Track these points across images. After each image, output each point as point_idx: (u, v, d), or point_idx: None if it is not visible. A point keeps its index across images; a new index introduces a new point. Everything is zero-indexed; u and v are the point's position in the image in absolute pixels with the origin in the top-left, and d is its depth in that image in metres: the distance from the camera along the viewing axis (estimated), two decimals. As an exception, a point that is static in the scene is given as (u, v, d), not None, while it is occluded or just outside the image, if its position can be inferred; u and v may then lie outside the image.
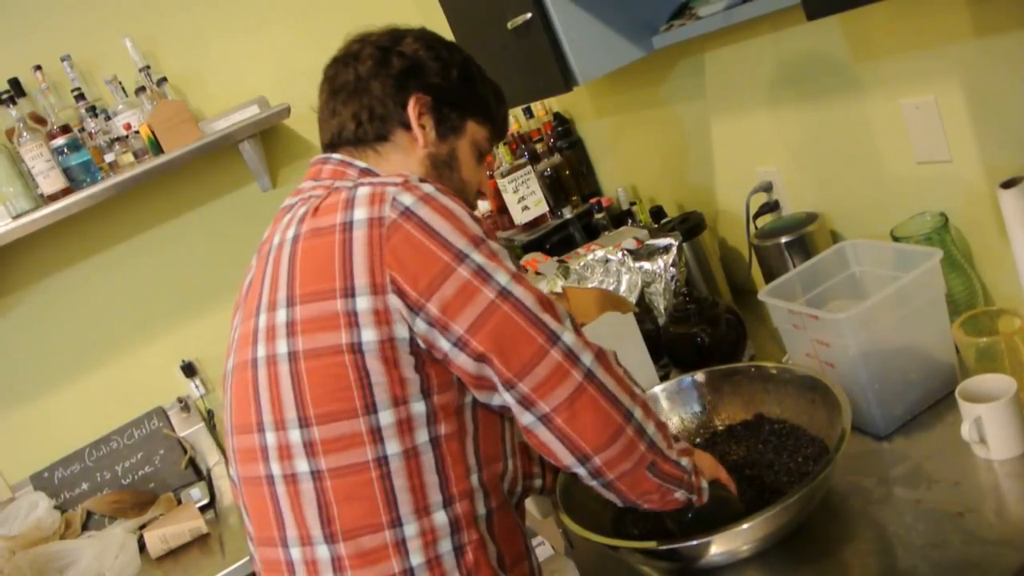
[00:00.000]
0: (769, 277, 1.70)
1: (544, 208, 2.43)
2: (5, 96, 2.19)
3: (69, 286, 2.48)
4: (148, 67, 2.37)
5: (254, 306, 1.05)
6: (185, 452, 2.43)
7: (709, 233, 2.01)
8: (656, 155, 2.26)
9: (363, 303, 0.95)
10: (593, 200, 2.38)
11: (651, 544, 1.11)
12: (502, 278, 0.97)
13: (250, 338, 1.04)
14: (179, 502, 2.35)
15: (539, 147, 2.54)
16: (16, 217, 2.19)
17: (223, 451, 2.51)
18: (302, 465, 0.98)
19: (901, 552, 1.04)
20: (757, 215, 1.86)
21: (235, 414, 1.07)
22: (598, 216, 2.31)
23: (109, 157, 2.31)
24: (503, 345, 0.95)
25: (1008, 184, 1.22)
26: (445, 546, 0.99)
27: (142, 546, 2.16)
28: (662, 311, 1.83)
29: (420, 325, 0.95)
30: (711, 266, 2.00)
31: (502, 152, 2.47)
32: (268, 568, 1.05)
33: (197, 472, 2.42)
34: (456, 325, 0.95)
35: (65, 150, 2.22)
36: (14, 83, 2.24)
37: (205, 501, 2.32)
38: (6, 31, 2.37)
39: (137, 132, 2.31)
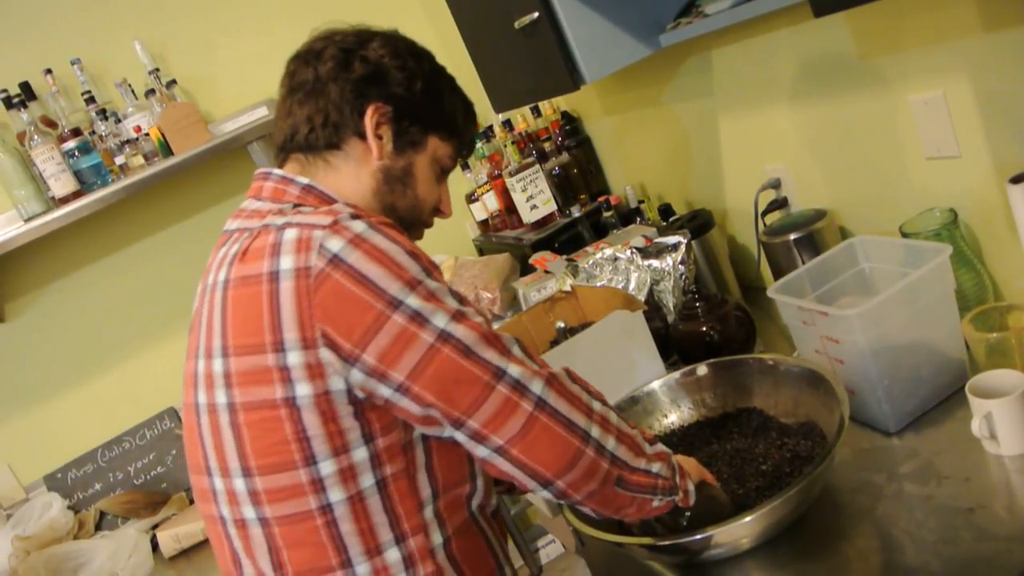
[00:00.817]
0: (778, 274, 1.70)
1: (553, 207, 2.44)
2: (16, 99, 2.21)
3: (81, 288, 2.50)
4: (157, 70, 2.39)
5: (195, 346, 1.03)
6: (197, 452, 2.44)
7: (718, 230, 2.01)
8: (664, 153, 2.26)
9: (294, 358, 0.92)
10: (601, 198, 2.39)
11: (648, 540, 1.12)
12: (440, 320, 0.93)
13: (192, 380, 1.03)
14: (191, 502, 2.36)
15: (547, 146, 2.54)
16: (28, 220, 2.21)
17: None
18: (249, 512, 0.98)
19: (911, 548, 1.04)
20: (766, 212, 1.86)
21: (188, 453, 1.07)
22: (606, 214, 2.31)
23: (119, 159, 2.32)
24: (446, 387, 0.93)
25: (1017, 179, 1.21)
26: None
27: (155, 546, 2.17)
28: (671, 309, 1.83)
29: (356, 376, 0.92)
30: (720, 263, 2.00)
31: (510, 151, 2.48)
32: None
33: (209, 472, 2.43)
34: (395, 373, 0.92)
35: (76, 153, 2.24)
36: (25, 87, 2.25)
37: (217, 501, 2.33)
38: (16, 35, 2.39)
39: (147, 134, 2.33)
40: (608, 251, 1.89)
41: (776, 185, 1.85)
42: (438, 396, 0.93)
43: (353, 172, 1.08)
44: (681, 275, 1.83)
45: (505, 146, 2.53)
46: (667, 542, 1.10)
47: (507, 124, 2.60)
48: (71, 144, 2.23)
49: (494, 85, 2.11)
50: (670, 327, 1.75)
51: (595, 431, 0.99)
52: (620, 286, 1.85)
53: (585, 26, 1.69)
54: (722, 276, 2.00)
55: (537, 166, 2.40)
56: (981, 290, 1.41)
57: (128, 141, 2.33)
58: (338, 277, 0.91)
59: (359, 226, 0.94)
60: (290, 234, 0.95)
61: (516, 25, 1.76)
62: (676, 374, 1.48)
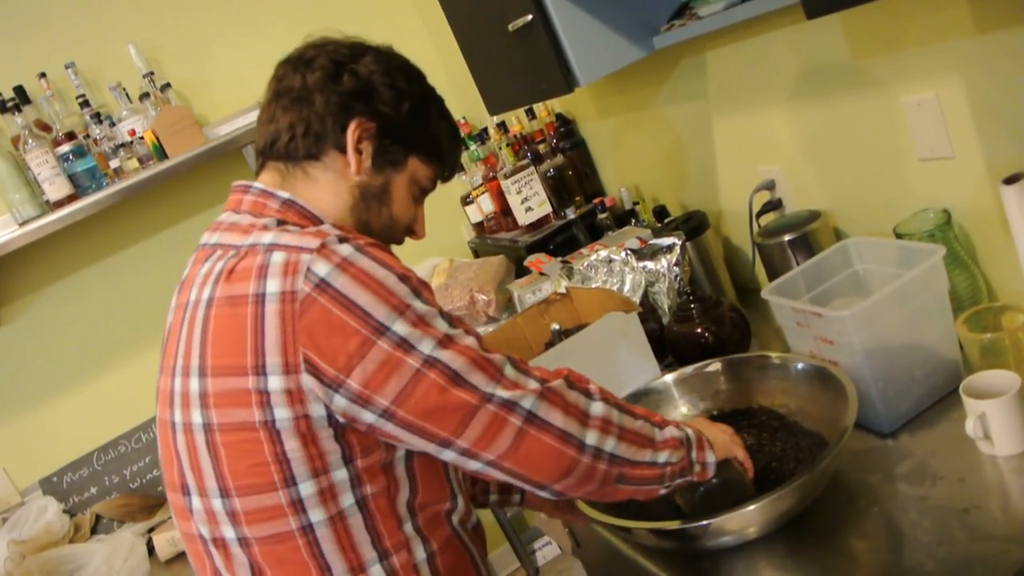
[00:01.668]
0: (773, 275, 1.70)
1: (547, 209, 2.44)
2: (10, 103, 2.21)
3: (76, 291, 2.49)
4: (152, 73, 2.39)
5: (171, 363, 1.02)
6: (193, 456, 2.44)
7: (712, 232, 2.01)
8: (659, 155, 2.26)
9: (275, 383, 0.91)
10: (596, 200, 2.39)
11: (654, 525, 1.14)
12: (426, 347, 0.92)
13: (167, 398, 1.02)
14: (187, 506, 2.36)
15: (542, 148, 2.54)
16: (23, 224, 2.21)
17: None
18: (228, 532, 0.97)
19: (906, 548, 1.04)
20: (760, 213, 1.86)
21: (164, 470, 1.06)
22: (601, 216, 2.31)
23: (114, 163, 2.32)
24: (432, 413, 0.92)
25: (1011, 180, 1.22)
26: None
27: (151, 549, 2.17)
28: (666, 310, 1.84)
29: (339, 402, 0.91)
30: (715, 265, 2.00)
31: (505, 153, 2.48)
32: None
33: (205, 476, 2.43)
34: (380, 398, 0.91)
35: (70, 156, 2.23)
36: (19, 90, 2.25)
37: (213, 504, 2.33)
38: (10, 39, 2.38)
39: (141, 138, 2.32)
40: (603, 253, 1.89)
41: (770, 186, 1.86)
42: (425, 420, 0.93)
43: (332, 186, 1.07)
44: (676, 277, 1.83)
45: (500, 148, 2.53)
46: (673, 527, 1.11)
47: (502, 126, 2.60)
48: (66, 148, 2.22)
49: (488, 87, 2.11)
50: (665, 329, 1.75)
51: (591, 437, 0.99)
52: (615, 288, 1.86)
53: (579, 28, 1.69)
54: (717, 278, 2.00)
55: (532, 168, 2.40)
56: (975, 291, 1.41)
57: (123, 145, 2.33)
58: (324, 302, 0.90)
59: (346, 249, 0.94)
60: (277, 257, 0.94)
61: (510, 28, 1.76)
62: (689, 369, 1.48)
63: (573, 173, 2.54)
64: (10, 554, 2.11)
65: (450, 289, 2.39)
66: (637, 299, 1.82)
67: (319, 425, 0.92)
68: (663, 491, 1.07)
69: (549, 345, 1.75)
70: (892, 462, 1.21)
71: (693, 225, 1.97)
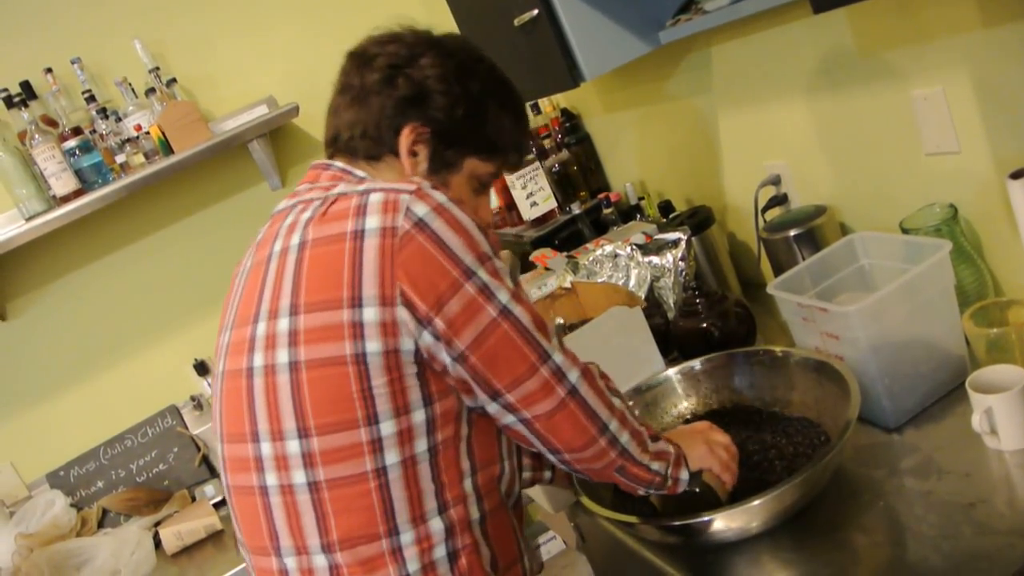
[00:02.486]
0: (778, 270, 1.70)
1: (552, 204, 2.44)
2: (17, 99, 2.21)
3: (82, 286, 2.50)
4: (158, 68, 2.39)
5: (250, 312, 1.03)
6: (199, 450, 2.44)
7: (718, 227, 2.01)
8: (664, 150, 2.26)
9: (370, 314, 0.94)
10: (601, 195, 2.39)
11: (661, 521, 1.16)
12: (504, 297, 0.98)
13: (245, 345, 1.02)
14: (193, 499, 2.37)
15: (547, 143, 2.54)
16: (29, 219, 2.21)
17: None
18: (299, 476, 0.97)
19: (912, 543, 1.04)
20: (766, 209, 1.86)
21: (226, 422, 1.06)
22: (606, 211, 2.31)
23: (120, 158, 2.32)
24: (498, 362, 0.97)
25: (1017, 174, 1.22)
26: (440, 552, 0.99)
27: (157, 543, 2.17)
28: (671, 305, 1.84)
29: (426, 338, 0.95)
30: (720, 260, 2.00)
31: (510, 148, 2.47)
32: (261, 575, 1.06)
33: (210, 469, 2.44)
34: (459, 341, 0.95)
35: (77, 152, 2.24)
36: (25, 86, 2.25)
37: (219, 498, 2.33)
38: (17, 34, 2.39)
39: (147, 133, 2.33)
40: (608, 248, 1.90)
41: (776, 181, 1.86)
42: (488, 368, 0.97)
43: (394, 180, 1.08)
44: (681, 271, 1.83)
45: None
46: (680, 522, 1.13)
47: (507, 121, 2.59)
48: (72, 143, 2.23)
49: (494, 82, 2.11)
50: (670, 323, 1.75)
51: (614, 425, 1.05)
52: (620, 283, 1.86)
53: (585, 23, 1.69)
54: (722, 272, 2.00)
55: (537, 163, 2.40)
56: (981, 286, 1.41)
57: (129, 140, 2.33)
58: (422, 240, 0.95)
59: (440, 196, 0.98)
60: (376, 196, 0.98)
61: (516, 22, 1.76)
62: (694, 363, 1.49)
63: (578, 168, 2.54)
64: (18, 547, 2.12)
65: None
66: (642, 294, 1.82)
67: (406, 360, 0.95)
68: (641, 493, 1.14)
69: (554, 340, 1.75)
70: (898, 457, 1.21)
71: (698, 220, 1.97)
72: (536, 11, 1.69)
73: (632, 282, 1.86)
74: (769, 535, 1.14)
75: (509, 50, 1.91)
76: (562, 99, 2.62)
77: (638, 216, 2.27)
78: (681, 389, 1.49)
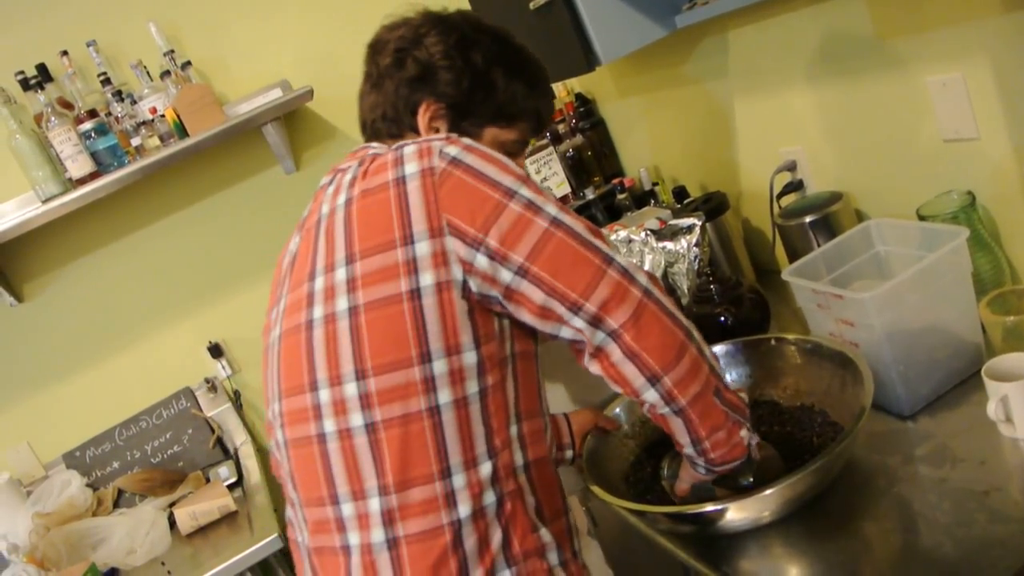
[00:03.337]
0: (793, 257, 1.69)
1: (566, 189, 2.43)
2: (33, 81, 2.22)
3: (97, 269, 2.52)
4: (172, 51, 2.39)
5: (304, 274, 1.06)
6: (213, 432, 2.46)
7: (732, 213, 2.00)
8: (679, 135, 2.25)
9: (422, 248, 0.97)
10: (615, 181, 2.38)
11: (671, 508, 1.16)
12: (551, 209, 1.01)
13: (303, 302, 1.05)
14: (207, 480, 2.39)
15: (561, 128, 2.54)
16: (45, 201, 2.23)
17: (250, 430, 2.55)
18: (356, 419, 0.99)
19: (925, 530, 1.04)
20: (781, 195, 1.85)
21: (284, 378, 1.08)
22: (620, 197, 2.30)
23: (135, 141, 2.33)
24: (563, 268, 0.98)
25: (1037, 161, 1.21)
26: (489, 497, 1.01)
27: (172, 523, 2.20)
28: (685, 291, 1.83)
29: (481, 261, 0.98)
30: (734, 246, 1.99)
31: (524, 133, 2.47)
32: (317, 528, 1.06)
33: (224, 451, 2.46)
34: (515, 255, 0.98)
35: (92, 134, 2.25)
36: (42, 68, 2.26)
37: (233, 480, 2.35)
38: (33, 17, 2.39)
39: (163, 116, 2.33)
40: (622, 233, 1.89)
41: (791, 167, 1.85)
42: (555, 276, 0.98)
43: None
44: (695, 257, 1.83)
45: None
46: (692, 511, 1.12)
47: (521, 106, 2.58)
48: (87, 125, 2.24)
49: (508, 66, 2.10)
50: (684, 309, 1.75)
51: (696, 332, 1.04)
52: (634, 268, 1.85)
53: (600, 7, 1.68)
54: (736, 259, 2.00)
55: (551, 148, 2.40)
56: (998, 273, 1.40)
57: (144, 122, 2.34)
58: (459, 174, 1.00)
59: (468, 140, 1.05)
60: (410, 148, 1.04)
61: (531, 6, 1.75)
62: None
63: (592, 153, 2.53)
64: (35, 526, 2.15)
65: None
66: (656, 280, 1.82)
67: (456, 292, 0.98)
68: (743, 435, 1.07)
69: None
70: (912, 444, 1.21)
71: (713, 206, 1.96)
72: (551, -6, 1.68)
73: (646, 268, 1.85)
74: (781, 522, 1.14)
75: (525, 34, 1.89)
76: (576, 84, 2.61)
77: (652, 202, 2.26)
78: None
